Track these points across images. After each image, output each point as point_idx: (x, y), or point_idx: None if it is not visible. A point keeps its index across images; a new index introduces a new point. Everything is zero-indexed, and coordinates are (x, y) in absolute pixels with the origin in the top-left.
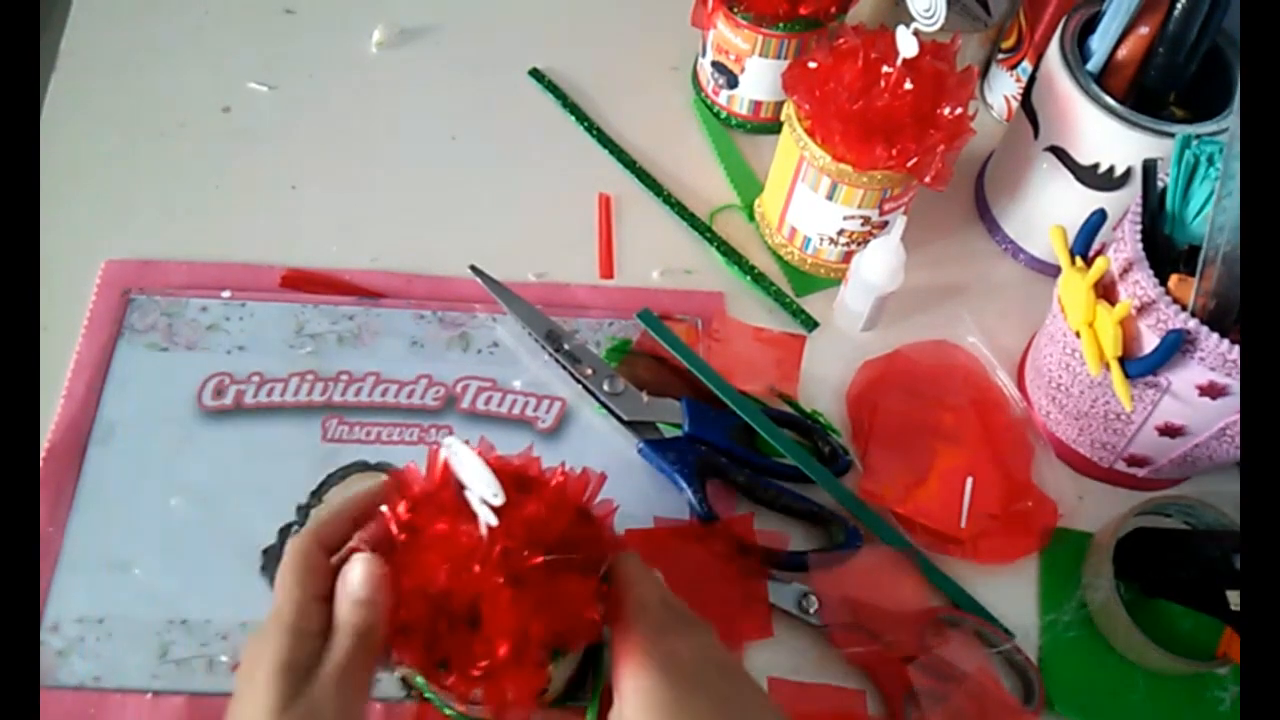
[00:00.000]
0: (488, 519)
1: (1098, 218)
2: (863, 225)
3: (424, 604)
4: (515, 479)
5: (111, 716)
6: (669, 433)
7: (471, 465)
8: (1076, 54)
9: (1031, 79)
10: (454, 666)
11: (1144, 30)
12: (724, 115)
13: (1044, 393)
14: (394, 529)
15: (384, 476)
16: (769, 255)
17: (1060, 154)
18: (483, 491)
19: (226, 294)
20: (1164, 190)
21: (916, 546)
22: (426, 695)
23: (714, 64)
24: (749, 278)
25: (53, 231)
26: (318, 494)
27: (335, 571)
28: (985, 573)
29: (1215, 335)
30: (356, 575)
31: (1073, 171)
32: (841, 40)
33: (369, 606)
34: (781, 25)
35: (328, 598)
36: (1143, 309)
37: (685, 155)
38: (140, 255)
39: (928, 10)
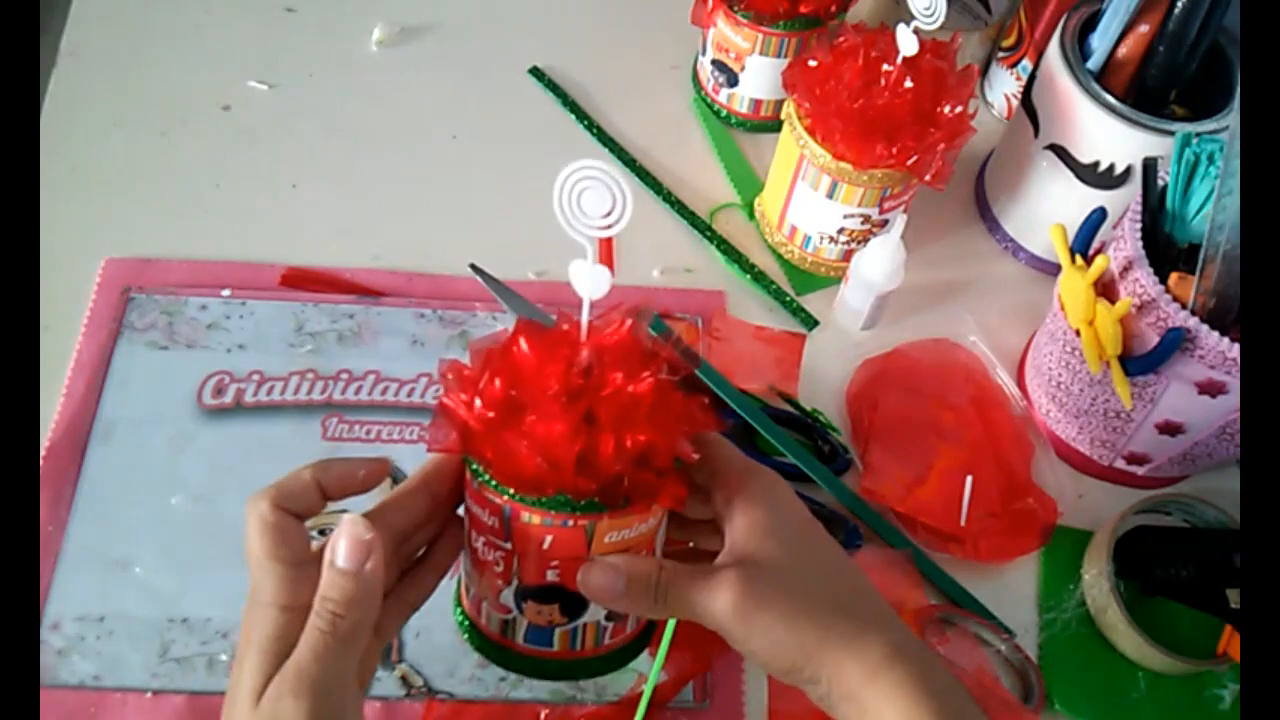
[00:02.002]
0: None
1: (1098, 216)
2: (863, 224)
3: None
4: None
5: (112, 715)
6: None
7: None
8: (1077, 52)
9: (1032, 77)
10: (631, 494)
11: (1144, 28)
12: (724, 114)
13: (1044, 391)
14: (473, 414)
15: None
16: (769, 254)
17: (1060, 152)
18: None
19: (226, 292)
20: (1164, 188)
21: (916, 545)
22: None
23: (714, 62)
24: (749, 276)
25: (53, 230)
26: None
27: (303, 533)
28: (985, 571)
29: (1215, 333)
30: (341, 543)
31: (1073, 170)
32: (842, 39)
33: (352, 578)
34: (782, 23)
35: (305, 562)
36: (1143, 307)
37: (685, 154)
38: (140, 254)
39: (928, 8)
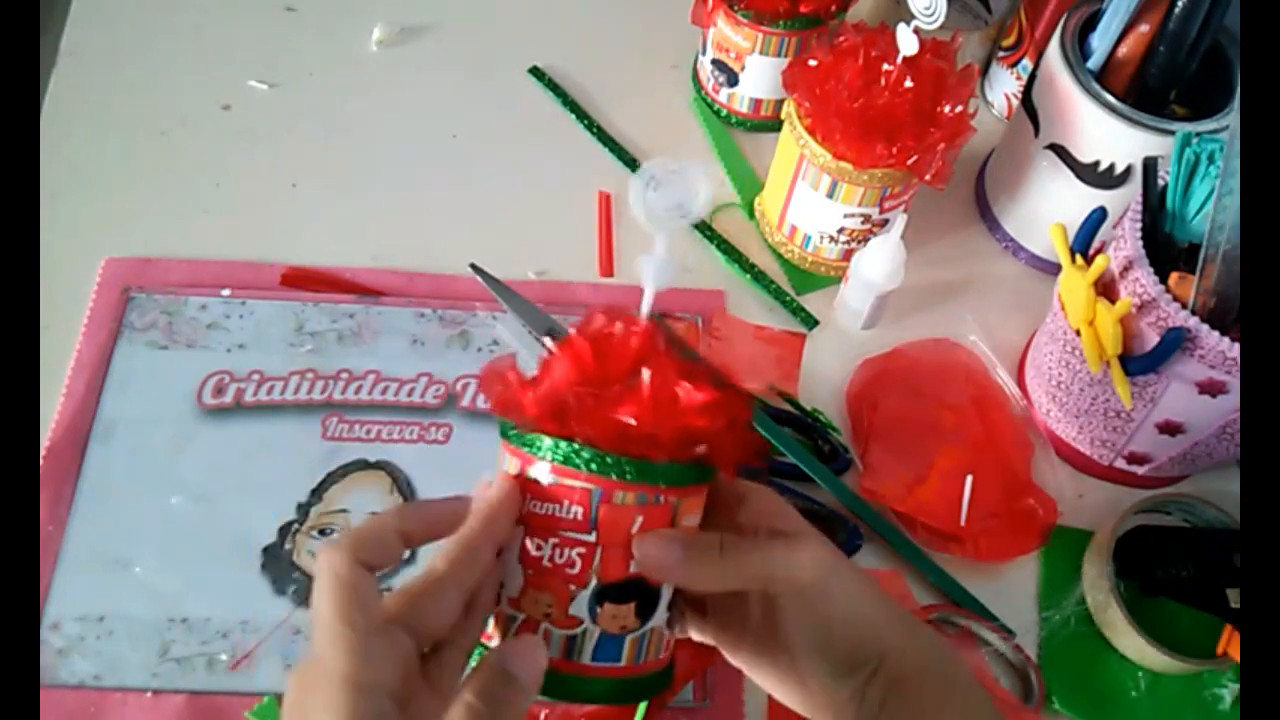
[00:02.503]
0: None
1: (1098, 216)
2: (863, 223)
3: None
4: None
5: (112, 715)
6: None
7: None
8: (1077, 52)
9: (1032, 77)
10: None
11: (1144, 28)
12: (724, 113)
13: (1044, 391)
14: (568, 389)
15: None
16: (769, 253)
17: (1061, 152)
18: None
19: (226, 292)
20: (1164, 188)
21: (917, 544)
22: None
23: (714, 62)
24: (749, 276)
25: (53, 230)
26: (318, 492)
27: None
28: (985, 571)
29: (1215, 333)
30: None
31: (1073, 169)
32: (842, 38)
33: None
34: (782, 23)
35: (381, 630)
36: (1143, 307)
37: (685, 153)
38: (140, 253)
39: (928, 8)
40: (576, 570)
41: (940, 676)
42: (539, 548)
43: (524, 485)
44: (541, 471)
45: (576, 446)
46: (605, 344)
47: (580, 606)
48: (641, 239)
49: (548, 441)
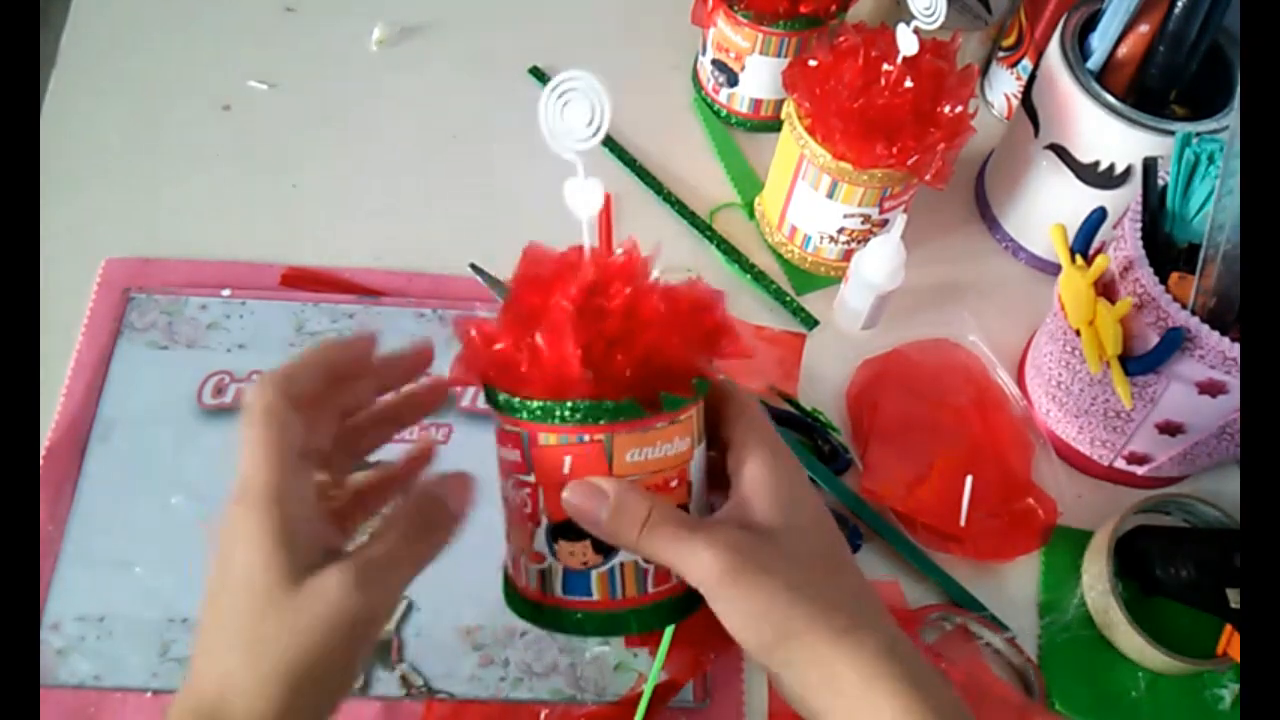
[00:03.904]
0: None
1: (1098, 216)
2: (863, 223)
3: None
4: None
5: (112, 715)
6: None
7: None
8: (1077, 52)
9: (1032, 77)
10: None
11: (1144, 28)
12: (724, 113)
13: (1044, 391)
14: (487, 341)
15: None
16: (769, 254)
17: (1061, 152)
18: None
19: (226, 292)
20: (1164, 188)
21: (917, 544)
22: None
23: (714, 62)
24: (749, 276)
25: (53, 231)
26: None
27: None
28: (985, 571)
29: (1215, 333)
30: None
31: (1073, 169)
32: (842, 38)
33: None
34: (782, 23)
35: (306, 454)
36: (1143, 307)
37: (685, 153)
38: (140, 253)
39: (928, 8)
40: (529, 509)
41: (887, 676)
42: (505, 488)
43: (496, 434)
44: (497, 418)
45: (499, 394)
46: (548, 277)
47: (540, 543)
48: (642, 237)
49: (487, 390)
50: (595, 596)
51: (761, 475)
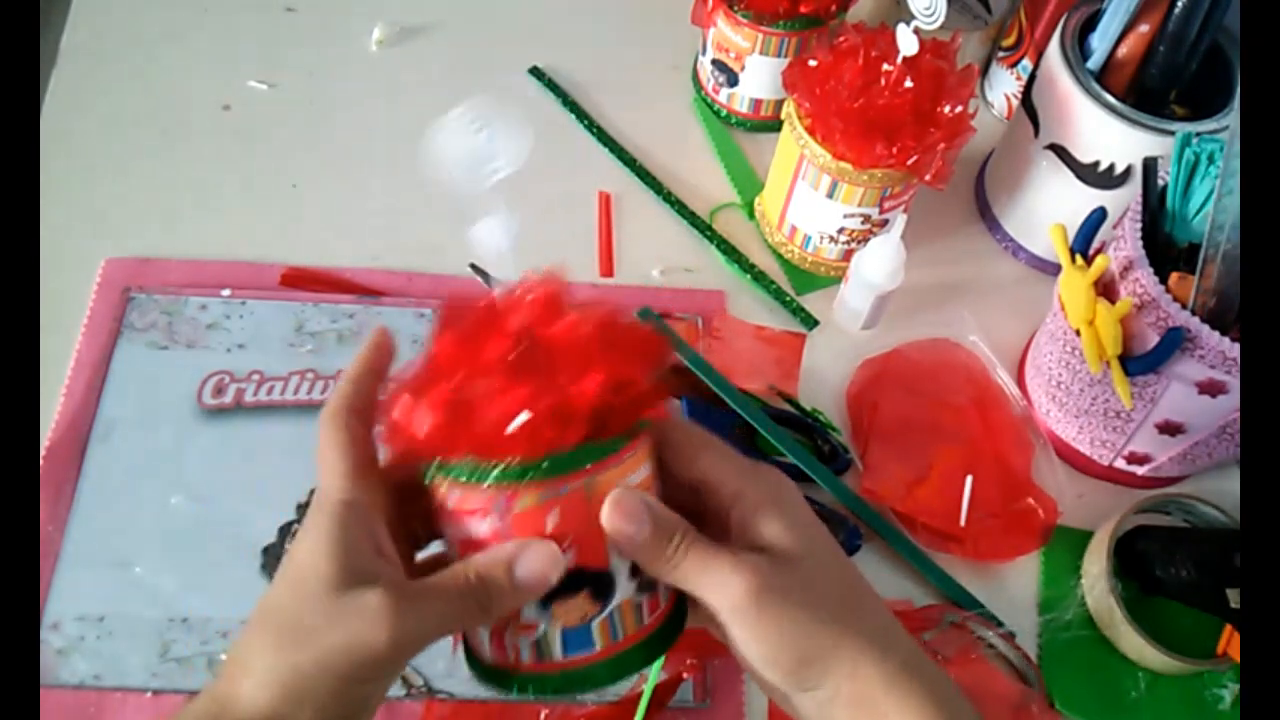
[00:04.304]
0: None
1: (1098, 216)
2: (863, 223)
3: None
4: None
5: (112, 715)
6: None
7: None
8: (1077, 52)
9: (1032, 77)
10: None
11: (1144, 28)
12: (724, 113)
13: (1044, 391)
14: (427, 419)
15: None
16: (769, 253)
17: (1060, 152)
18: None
19: (226, 292)
20: (1164, 188)
21: (917, 544)
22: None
23: (714, 62)
24: (749, 276)
25: (53, 231)
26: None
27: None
28: (985, 571)
29: (1215, 333)
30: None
31: (1073, 169)
32: (842, 38)
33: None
34: (782, 23)
35: (375, 468)
36: (1143, 307)
37: (685, 153)
38: (140, 253)
39: (928, 8)
40: None
41: (909, 688)
42: None
43: (441, 511)
44: (446, 495)
45: (454, 468)
46: (472, 338)
47: (530, 611)
48: (643, 237)
49: (432, 467)
50: (599, 647)
51: (764, 506)
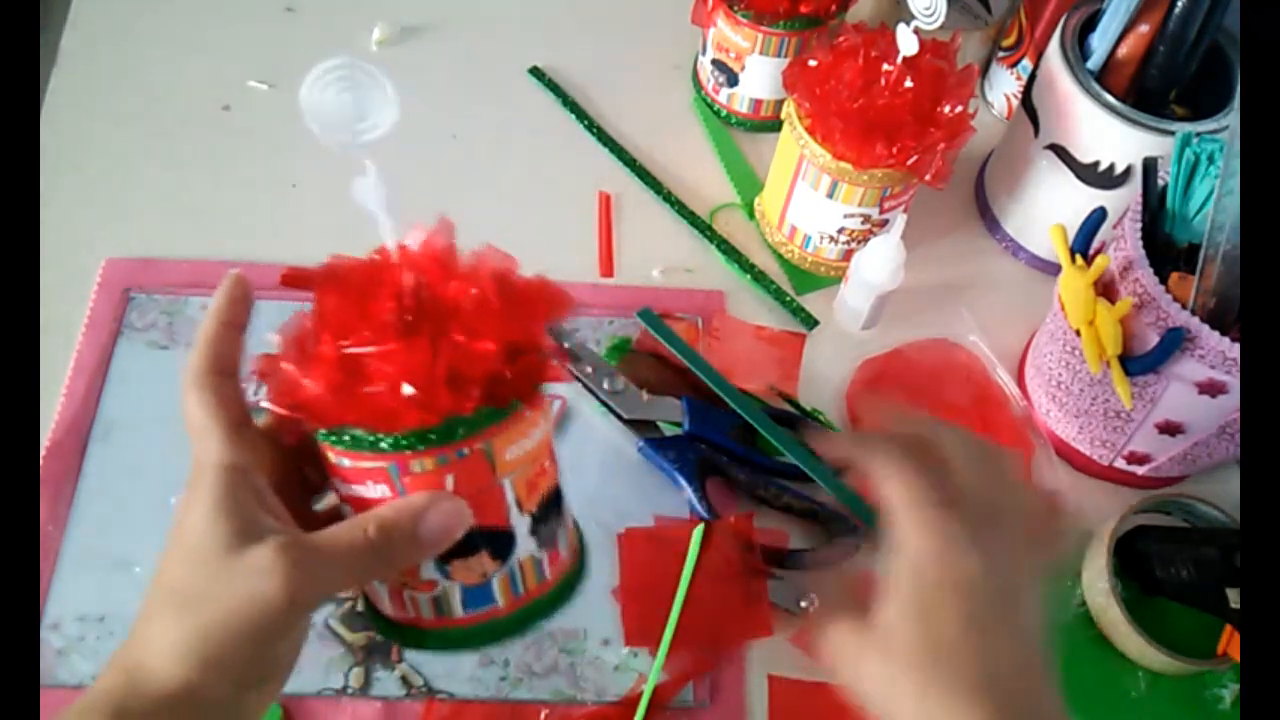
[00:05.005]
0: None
1: (1098, 216)
2: (863, 223)
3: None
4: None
5: None
6: (669, 431)
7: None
8: (1077, 52)
9: (1032, 77)
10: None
11: (1144, 28)
12: (724, 113)
13: (1044, 391)
14: (315, 383)
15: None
16: (769, 253)
17: (1060, 152)
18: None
19: None
20: (1164, 188)
21: None
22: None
23: (714, 62)
24: (749, 276)
25: (53, 231)
26: None
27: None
28: None
29: (1215, 333)
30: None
31: (1073, 170)
32: (842, 38)
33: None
34: (782, 23)
35: (243, 424)
36: (1143, 307)
37: (685, 153)
38: (140, 254)
39: (928, 8)
40: None
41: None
42: None
43: (334, 470)
44: (338, 459)
45: (346, 432)
46: (361, 296)
47: (429, 570)
48: (643, 237)
49: (322, 431)
50: (500, 603)
51: (903, 582)
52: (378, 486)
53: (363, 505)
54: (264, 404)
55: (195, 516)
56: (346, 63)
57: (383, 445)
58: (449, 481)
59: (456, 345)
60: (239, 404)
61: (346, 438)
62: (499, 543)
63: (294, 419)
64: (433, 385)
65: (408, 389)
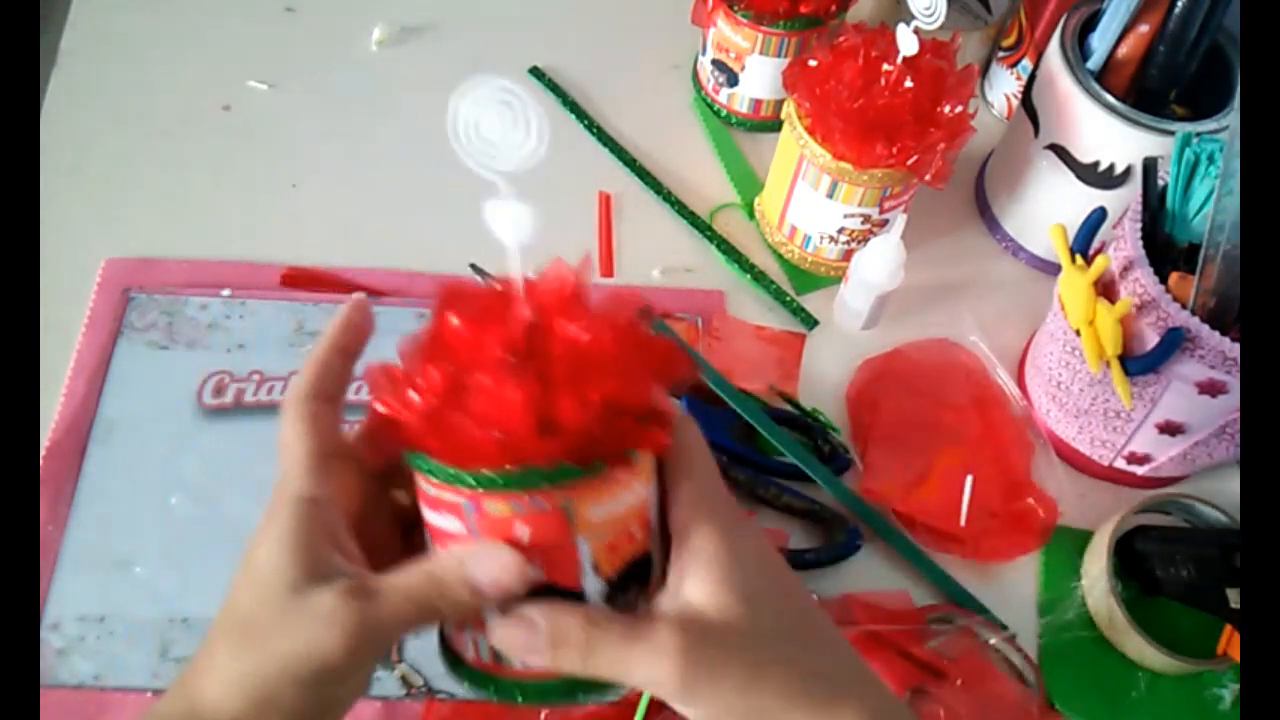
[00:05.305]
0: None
1: (1098, 216)
2: (863, 223)
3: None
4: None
5: (112, 715)
6: None
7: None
8: (1077, 52)
9: (1032, 77)
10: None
11: (1144, 28)
12: (724, 113)
13: (1044, 391)
14: (410, 407)
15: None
16: (769, 254)
17: (1060, 152)
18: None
19: (226, 292)
20: (1164, 188)
21: (917, 545)
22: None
23: (714, 62)
24: (749, 276)
25: (53, 231)
26: None
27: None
28: (985, 571)
29: (1215, 333)
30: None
31: (1073, 170)
32: (842, 38)
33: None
34: (782, 23)
35: (333, 454)
36: (1143, 307)
37: (685, 153)
38: (140, 253)
39: (928, 8)
40: None
41: None
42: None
43: (420, 494)
44: (422, 482)
45: (428, 460)
46: (478, 324)
47: (491, 615)
48: (642, 237)
49: (409, 454)
50: None
51: (707, 548)
52: (453, 520)
53: (440, 537)
54: (367, 400)
55: (266, 549)
56: (507, 86)
57: (460, 479)
58: (521, 529)
59: (553, 394)
60: (333, 432)
61: (426, 464)
62: (571, 600)
63: (391, 426)
64: (520, 430)
65: (492, 435)
